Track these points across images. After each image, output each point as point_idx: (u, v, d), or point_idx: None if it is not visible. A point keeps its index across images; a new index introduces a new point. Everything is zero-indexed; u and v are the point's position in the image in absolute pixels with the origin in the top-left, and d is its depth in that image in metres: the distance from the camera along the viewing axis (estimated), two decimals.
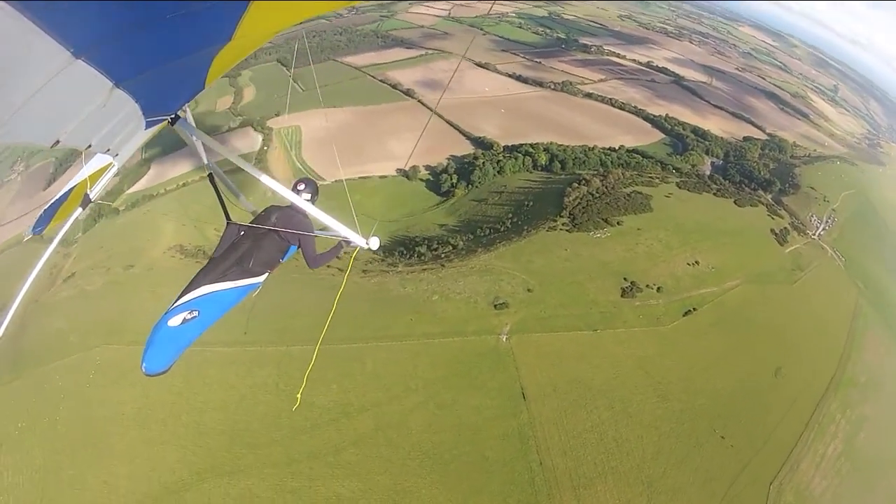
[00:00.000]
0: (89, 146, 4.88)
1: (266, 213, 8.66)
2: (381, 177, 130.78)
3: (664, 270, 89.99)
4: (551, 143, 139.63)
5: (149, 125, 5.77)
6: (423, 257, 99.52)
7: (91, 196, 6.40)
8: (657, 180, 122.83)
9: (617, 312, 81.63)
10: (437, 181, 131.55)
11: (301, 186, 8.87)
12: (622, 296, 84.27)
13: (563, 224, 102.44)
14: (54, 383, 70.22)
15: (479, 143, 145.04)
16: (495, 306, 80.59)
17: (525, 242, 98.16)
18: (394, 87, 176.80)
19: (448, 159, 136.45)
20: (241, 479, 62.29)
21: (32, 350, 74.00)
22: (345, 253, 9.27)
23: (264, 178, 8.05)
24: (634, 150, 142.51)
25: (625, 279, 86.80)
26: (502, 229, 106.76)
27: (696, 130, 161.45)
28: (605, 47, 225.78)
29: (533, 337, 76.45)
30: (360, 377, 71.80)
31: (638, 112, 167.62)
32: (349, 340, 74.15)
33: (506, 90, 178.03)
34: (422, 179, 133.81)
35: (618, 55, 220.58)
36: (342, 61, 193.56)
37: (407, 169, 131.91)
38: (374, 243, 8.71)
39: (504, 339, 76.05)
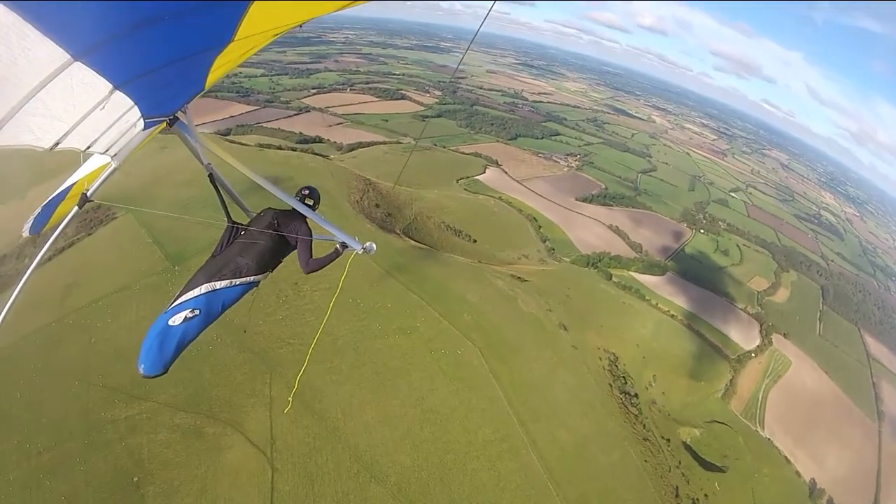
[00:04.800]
0: (88, 148, 4.90)
1: (264, 214, 8.70)
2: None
3: None
4: None
5: (147, 126, 5.70)
6: None
7: (89, 195, 6.35)
8: None
9: None
10: None
11: (305, 192, 8.94)
12: None
13: None
14: None
15: None
16: None
17: None
18: None
19: None
20: None
21: None
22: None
23: (265, 184, 7.92)
24: None
25: None
26: None
27: None
28: None
29: None
30: None
31: None
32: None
33: None
34: None
35: None
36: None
37: None
38: (371, 248, 8.38)
39: None
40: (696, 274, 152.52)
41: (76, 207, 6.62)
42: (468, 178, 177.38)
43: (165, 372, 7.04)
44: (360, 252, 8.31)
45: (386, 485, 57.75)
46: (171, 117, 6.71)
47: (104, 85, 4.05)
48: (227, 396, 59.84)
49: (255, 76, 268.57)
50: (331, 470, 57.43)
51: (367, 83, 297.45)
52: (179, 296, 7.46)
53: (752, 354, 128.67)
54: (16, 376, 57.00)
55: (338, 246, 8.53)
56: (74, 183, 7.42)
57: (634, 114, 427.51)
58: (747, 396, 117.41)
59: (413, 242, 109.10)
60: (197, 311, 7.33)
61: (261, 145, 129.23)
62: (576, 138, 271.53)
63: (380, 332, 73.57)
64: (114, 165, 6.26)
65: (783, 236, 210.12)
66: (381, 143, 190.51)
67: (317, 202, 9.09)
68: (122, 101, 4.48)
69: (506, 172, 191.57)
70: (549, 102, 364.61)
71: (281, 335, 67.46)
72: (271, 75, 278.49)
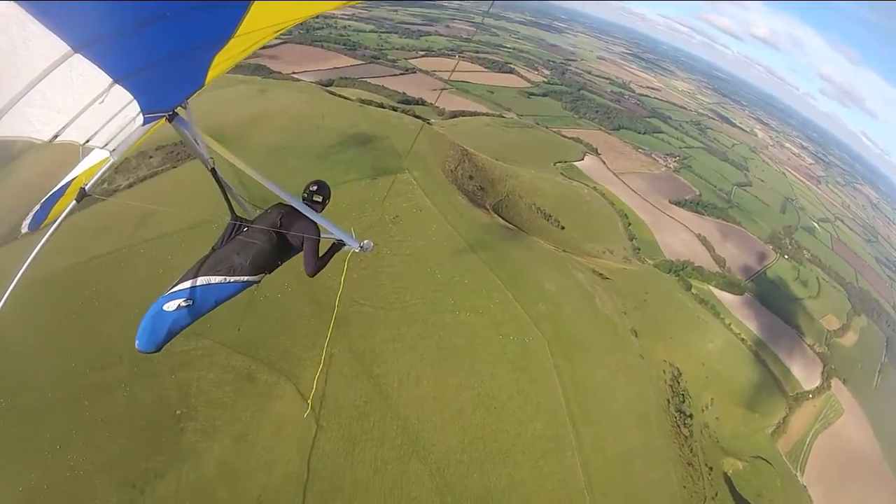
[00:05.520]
0: (87, 141, 4.89)
1: (270, 211, 8.44)
2: None
3: None
4: None
5: (146, 121, 5.66)
6: None
7: (87, 189, 6.17)
8: None
9: None
10: None
11: (314, 188, 8.63)
12: None
13: None
14: None
15: None
16: None
17: None
18: None
19: None
20: None
21: None
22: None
23: (266, 182, 7.83)
24: None
25: None
26: None
27: None
28: None
29: None
30: None
31: None
32: None
33: None
34: None
35: None
36: None
37: None
38: (368, 246, 8.36)
39: None
40: (772, 300, 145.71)
41: (74, 202, 6.44)
42: (566, 162, 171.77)
43: (158, 350, 7.18)
44: (357, 250, 8.47)
45: (426, 462, 56.59)
46: (171, 113, 6.58)
47: (104, 78, 3.98)
48: (287, 346, 58.78)
49: (365, 31, 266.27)
50: (375, 437, 56.44)
51: (477, 52, 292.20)
52: (179, 282, 7.47)
53: (810, 395, 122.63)
54: (75, 295, 56.17)
55: (335, 241, 8.60)
56: (74, 178, 7.23)
57: (738, 124, 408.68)
58: (796, 438, 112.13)
59: (501, 220, 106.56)
60: (190, 302, 7.32)
61: (362, 101, 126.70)
62: (677, 139, 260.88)
63: (452, 307, 72.10)
64: (112, 160, 6.21)
65: (861, 278, 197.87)
66: (483, 114, 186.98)
67: (327, 198, 8.82)
68: (121, 94, 4.44)
69: (604, 163, 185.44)
70: (655, 98, 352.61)
71: (352, 294, 66.56)
72: (380, 32, 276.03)
